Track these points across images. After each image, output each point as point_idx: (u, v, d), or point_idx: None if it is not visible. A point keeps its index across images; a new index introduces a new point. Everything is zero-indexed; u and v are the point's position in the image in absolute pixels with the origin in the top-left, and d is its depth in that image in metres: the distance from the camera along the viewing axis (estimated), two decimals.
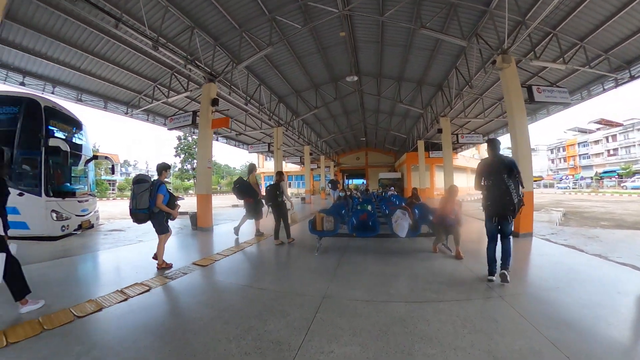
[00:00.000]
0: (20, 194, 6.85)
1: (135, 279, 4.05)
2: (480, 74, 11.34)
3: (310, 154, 22.73)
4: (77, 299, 3.32)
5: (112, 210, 17.21)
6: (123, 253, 5.89)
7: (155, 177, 4.64)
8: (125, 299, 3.34)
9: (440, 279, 3.94)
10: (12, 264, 2.87)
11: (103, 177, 33.24)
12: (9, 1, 6.77)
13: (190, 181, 46.82)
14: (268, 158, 39.40)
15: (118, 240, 7.16)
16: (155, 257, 4.68)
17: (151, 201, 4.37)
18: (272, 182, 6.86)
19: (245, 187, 7.11)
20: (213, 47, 9.48)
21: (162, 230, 4.57)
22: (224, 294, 3.70)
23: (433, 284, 3.75)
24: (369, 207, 7.41)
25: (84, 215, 8.21)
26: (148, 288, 3.72)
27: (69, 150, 7.16)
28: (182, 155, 49.20)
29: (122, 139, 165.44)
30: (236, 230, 7.39)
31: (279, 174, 6.97)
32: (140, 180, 4.51)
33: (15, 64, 9.21)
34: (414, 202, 9.10)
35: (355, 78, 11.79)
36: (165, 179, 4.67)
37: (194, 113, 10.08)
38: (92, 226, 8.78)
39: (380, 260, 5.10)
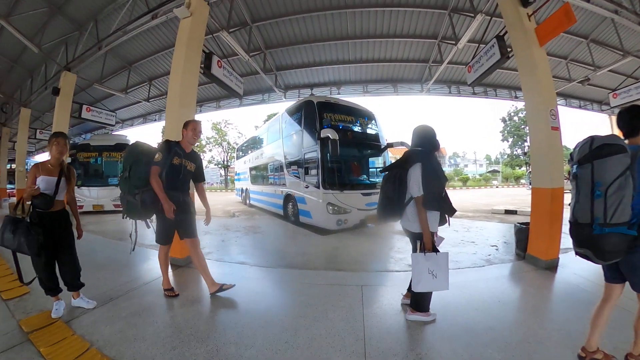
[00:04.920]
0: (307, 187, 7.16)
1: None
2: None
3: None
4: None
5: None
6: None
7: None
8: None
9: None
10: None
11: None
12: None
13: (522, 168, 38.37)
14: None
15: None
16: None
17: None
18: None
19: None
20: None
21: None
22: None
23: None
24: None
25: (370, 210, 6.99)
26: None
27: (337, 139, 6.27)
28: (511, 139, 41.77)
29: (450, 131, 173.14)
30: None
31: None
32: None
33: (301, 82, 10.92)
34: None
35: None
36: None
37: (499, 39, 5.58)
38: None
39: None
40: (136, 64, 9.39)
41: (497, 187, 33.64)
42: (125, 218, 2.90)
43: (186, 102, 4.47)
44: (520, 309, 2.80)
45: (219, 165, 40.33)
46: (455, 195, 21.96)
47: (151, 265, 4.06)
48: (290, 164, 8.27)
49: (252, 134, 16.41)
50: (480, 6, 6.57)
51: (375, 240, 5.93)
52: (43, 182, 2.49)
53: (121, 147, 11.23)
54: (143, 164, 2.77)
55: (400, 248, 5.06)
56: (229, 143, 39.83)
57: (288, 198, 8.17)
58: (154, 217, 2.98)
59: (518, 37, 4.62)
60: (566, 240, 4.85)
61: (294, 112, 8.10)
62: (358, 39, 8.61)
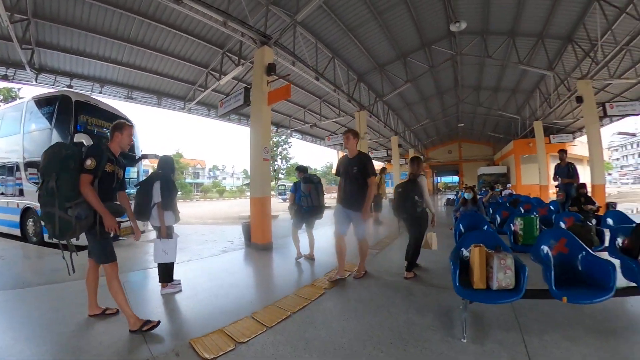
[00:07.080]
0: None
1: None
2: None
3: (399, 146, 18.90)
4: None
5: (187, 211, 16.99)
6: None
7: None
8: None
9: None
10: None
11: (187, 181, 35.91)
12: None
13: (273, 182, 47.08)
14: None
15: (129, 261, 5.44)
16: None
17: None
18: (405, 179, 4.33)
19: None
20: (265, 9, 7.32)
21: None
22: None
23: None
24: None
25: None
26: None
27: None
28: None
29: (212, 146, 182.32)
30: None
31: (416, 161, 4.20)
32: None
33: (61, 68, 9.01)
34: (591, 210, 5.46)
35: (463, 25, 8.17)
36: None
37: (246, 90, 7.89)
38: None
39: None
40: None
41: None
42: (53, 239, 2.45)
43: None
44: (244, 273, 4.69)
45: None
46: (211, 205, 24.13)
47: None
48: (29, 166, 6.70)
49: None
50: (249, 56, 8.53)
51: (129, 249, 6.31)
52: None
53: None
54: (73, 171, 2.37)
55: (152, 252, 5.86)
56: None
57: (27, 212, 6.65)
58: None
59: (257, 94, 6.82)
60: (276, 231, 7.42)
61: (45, 105, 6.76)
62: (136, 46, 8.56)
